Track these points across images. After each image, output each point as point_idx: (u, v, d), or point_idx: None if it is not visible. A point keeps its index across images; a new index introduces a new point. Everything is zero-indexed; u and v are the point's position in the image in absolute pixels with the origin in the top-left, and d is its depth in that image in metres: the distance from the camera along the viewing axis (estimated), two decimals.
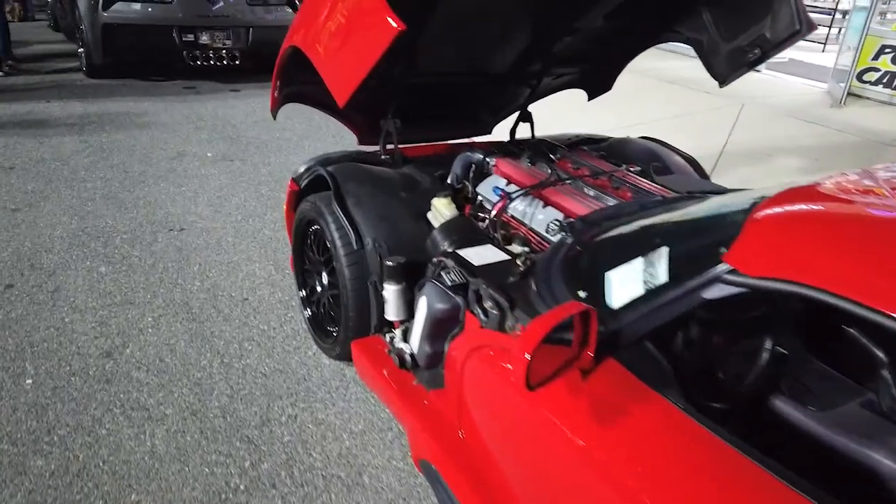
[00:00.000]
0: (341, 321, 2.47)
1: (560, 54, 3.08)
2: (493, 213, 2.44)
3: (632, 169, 2.80)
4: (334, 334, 2.61)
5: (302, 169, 2.82)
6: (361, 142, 3.25)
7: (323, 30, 2.08)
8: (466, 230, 2.24)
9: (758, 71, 7.42)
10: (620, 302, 1.48)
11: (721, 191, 2.53)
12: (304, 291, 2.85)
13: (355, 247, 2.31)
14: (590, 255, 1.82)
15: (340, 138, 5.18)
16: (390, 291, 2.24)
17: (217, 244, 3.62)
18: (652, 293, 1.44)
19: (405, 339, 2.27)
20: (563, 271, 1.76)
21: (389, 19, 1.76)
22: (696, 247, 1.55)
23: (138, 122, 5.78)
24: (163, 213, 3.99)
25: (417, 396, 2.11)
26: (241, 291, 3.17)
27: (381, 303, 2.31)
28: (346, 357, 2.57)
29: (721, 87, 2.92)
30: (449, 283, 1.92)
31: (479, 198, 2.65)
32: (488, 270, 1.97)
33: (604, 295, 1.53)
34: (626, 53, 3.29)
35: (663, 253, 1.48)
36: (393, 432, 2.33)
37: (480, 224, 2.42)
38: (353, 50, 1.97)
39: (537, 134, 3.27)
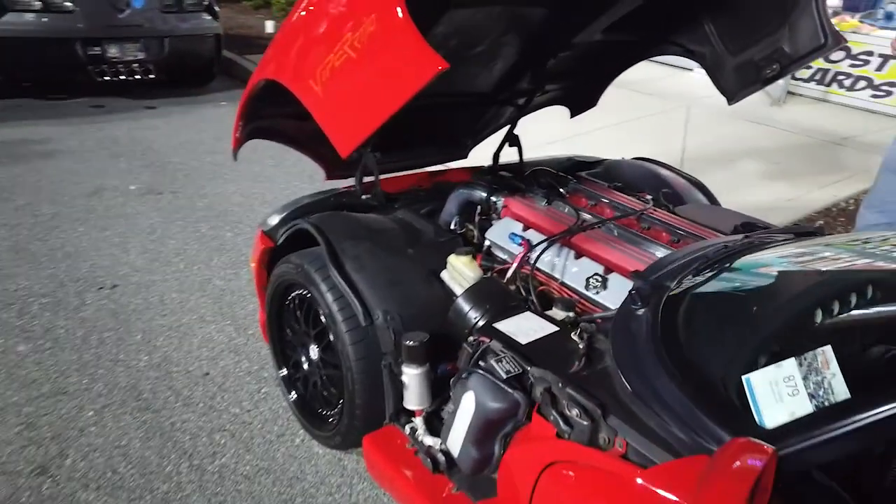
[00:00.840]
0: (345, 409, 2.04)
1: (551, 70, 2.76)
2: (514, 265, 2.07)
3: (646, 198, 2.52)
4: (331, 420, 2.18)
5: (275, 220, 2.36)
6: (330, 177, 2.82)
7: (322, 65, 1.64)
8: (498, 296, 1.87)
9: (691, 69, 7.38)
10: (777, 420, 1.15)
11: (774, 228, 2.27)
12: (285, 370, 2.39)
13: (363, 322, 1.89)
14: (688, 332, 1.49)
15: (280, 160, 4.68)
16: (411, 376, 1.83)
17: (160, 302, 3.07)
18: (827, 412, 1.11)
19: (430, 430, 1.88)
20: (659, 359, 1.41)
21: (426, 57, 1.37)
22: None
23: (41, 151, 5.02)
24: (87, 266, 3.38)
25: None
26: (199, 364, 2.66)
27: (397, 388, 1.90)
28: (348, 446, 2.14)
29: (729, 104, 2.66)
30: (503, 376, 1.54)
31: (488, 245, 2.28)
32: (541, 352, 1.61)
33: (747, 406, 1.19)
34: (618, 67, 3.01)
35: (829, 355, 1.16)
36: None
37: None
38: (371, 91, 1.55)
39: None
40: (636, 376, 1.41)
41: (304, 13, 1.75)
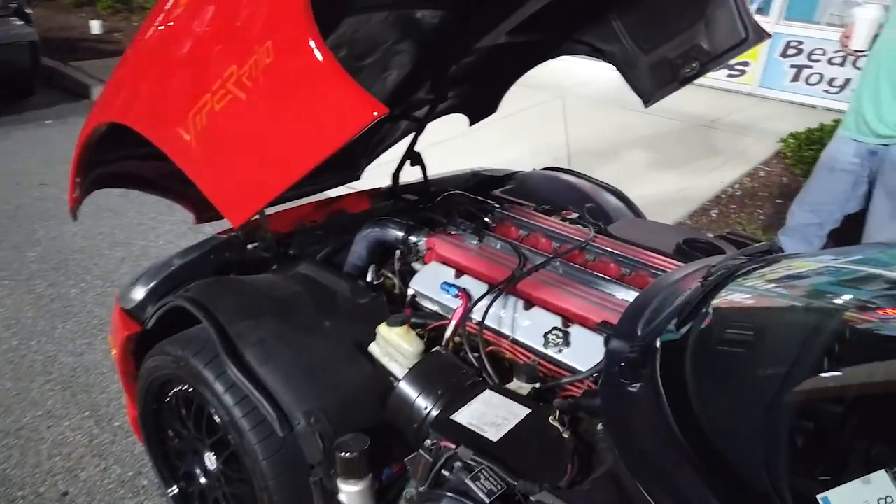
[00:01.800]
0: None
1: (452, 78, 2.42)
2: (453, 324, 1.71)
3: (569, 217, 2.26)
4: None
5: (138, 294, 1.83)
6: (200, 220, 2.32)
7: (195, 108, 1.17)
8: (450, 376, 1.49)
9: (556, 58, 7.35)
10: None
11: (718, 242, 2.07)
12: (175, 487, 1.88)
13: (280, 431, 1.45)
14: (711, 415, 1.19)
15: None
16: (351, 494, 1.43)
17: None
18: None
19: None
20: (688, 463, 1.11)
21: (357, 100, 0.96)
22: None
23: None
24: None
25: None
26: (52, 481, 2.07)
27: None
28: None
29: (645, 105, 2.46)
30: (486, 500, 1.18)
31: (413, 295, 1.90)
32: (521, 451, 1.28)
33: None
34: (520, 69, 2.72)
35: None
36: None
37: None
38: (275, 142, 1.12)
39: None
40: (653, 480, 1.09)
41: (160, 34, 1.26)
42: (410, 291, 1.91)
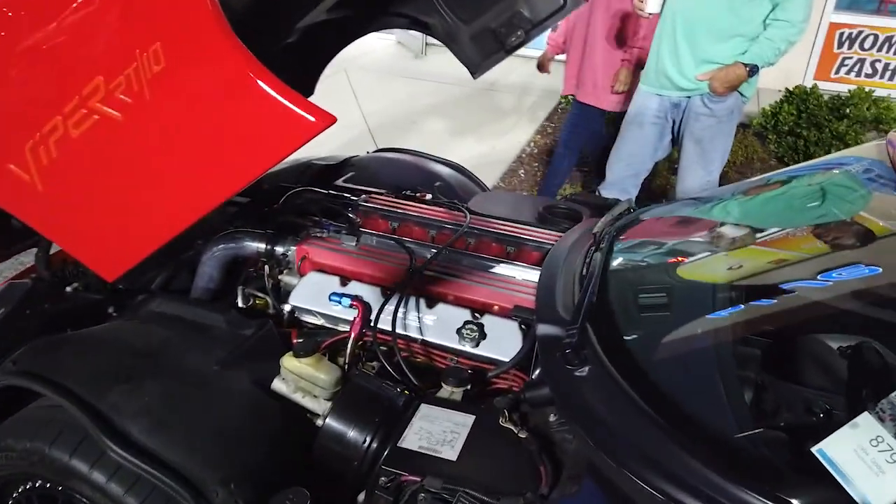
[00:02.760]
0: None
1: (272, 66, 2.19)
2: (352, 336, 1.56)
3: (425, 200, 2.19)
4: None
5: None
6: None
7: (37, 137, 0.87)
8: (380, 399, 1.35)
9: (376, 31, 7.14)
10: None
11: (574, 204, 2.13)
12: None
13: None
14: (658, 383, 1.20)
15: None
16: None
17: None
18: None
19: None
20: (654, 430, 1.11)
21: (297, 110, 0.77)
22: None
23: None
24: None
25: None
26: None
27: None
28: None
29: (474, 77, 2.44)
30: None
31: (289, 313, 1.70)
32: (484, 466, 1.21)
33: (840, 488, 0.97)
34: (336, 47, 2.55)
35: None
36: None
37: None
38: (178, 170, 0.87)
39: None
40: (645, 465, 1.08)
41: None
42: (287, 308, 1.70)
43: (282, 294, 1.76)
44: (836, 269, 1.33)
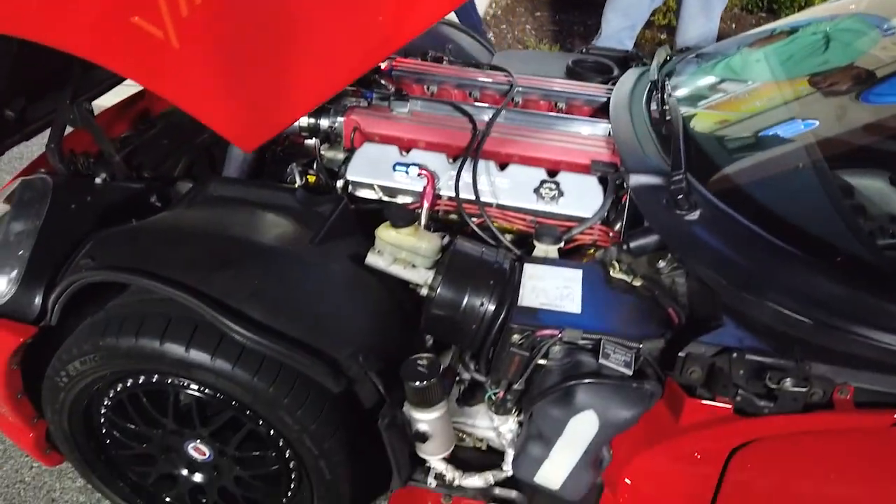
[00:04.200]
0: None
1: None
2: (426, 206, 1.52)
3: (442, 58, 2.07)
4: None
5: (3, 289, 1.27)
6: None
7: None
8: (486, 262, 1.33)
9: None
10: None
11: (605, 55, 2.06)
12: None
13: (336, 387, 1.18)
14: (770, 214, 1.23)
15: None
16: (432, 421, 1.26)
17: None
18: None
19: (460, 467, 1.38)
20: (784, 255, 1.15)
21: None
22: None
23: None
24: None
25: None
26: None
27: (407, 444, 1.30)
28: None
29: None
30: (629, 372, 1.12)
31: (345, 188, 1.62)
32: (612, 313, 1.23)
33: None
34: None
35: None
36: None
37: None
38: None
39: None
40: (781, 291, 1.12)
41: None
42: (340, 183, 1.62)
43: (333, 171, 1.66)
44: None
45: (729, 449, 1.13)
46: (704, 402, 1.11)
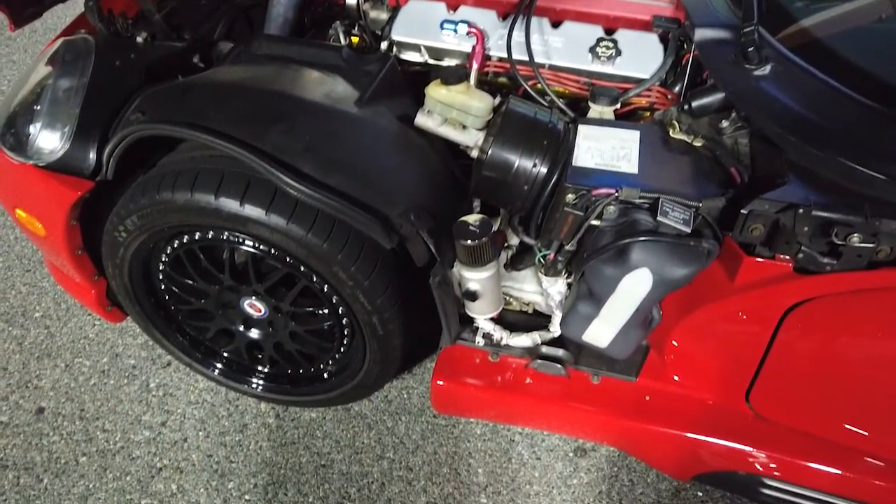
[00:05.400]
0: (370, 357, 1.41)
1: None
2: (475, 66, 1.46)
3: None
4: (330, 377, 1.52)
5: (53, 141, 1.28)
6: (19, 24, 1.64)
7: None
8: (538, 122, 1.28)
9: None
10: None
11: None
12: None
13: (389, 243, 1.19)
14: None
15: None
16: (483, 280, 1.27)
17: None
18: None
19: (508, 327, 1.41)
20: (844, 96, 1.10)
21: None
22: None
23: None
24: None
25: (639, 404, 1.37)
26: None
27: (456, 303, 1.33)
28: (360, 397, 1.58)
29: None
30: (687, 230, 1.09)
31: (388, 46, 1.55)
32: (671, 173, 1.19)
33: None
34: None
35: None
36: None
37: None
38: None
39: None
40: (876, 158, 1.06)
41: None
42: (384, 45, 1.56)
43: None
44: None
45: (784, 308, 1.12)
46: (762, 259, 1.09)
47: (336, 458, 1.55)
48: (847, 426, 1.25)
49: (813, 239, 1.04)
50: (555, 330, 1.41)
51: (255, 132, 1.17)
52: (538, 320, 1.48)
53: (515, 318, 1.48)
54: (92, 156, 1.29)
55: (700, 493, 1.48)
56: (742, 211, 1.07)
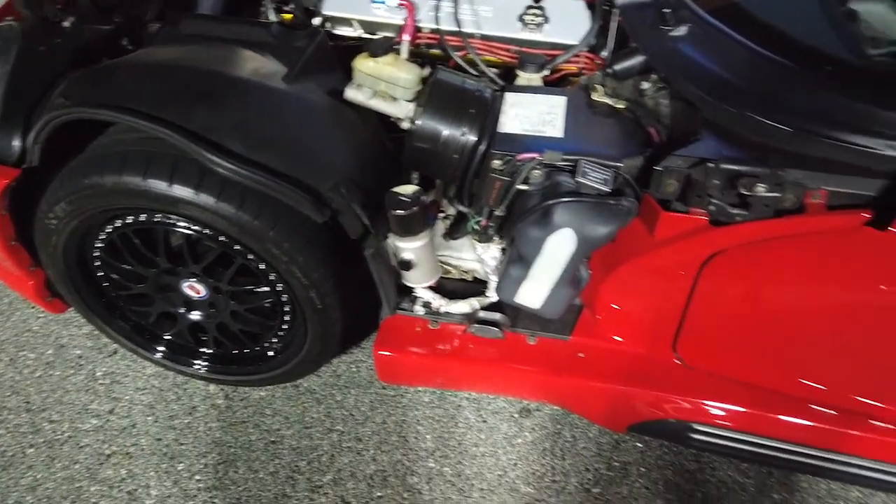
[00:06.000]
0: (310, 334, 1.42)
1: None
2: (405, 38, 1.47)
3: None
4: (274, 354, 1.54)
5: None
6: None
7: None
8: (466, 91, 1.30)
9: None
10: None
11: None
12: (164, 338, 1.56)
13: (321, 217, 1.20)
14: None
15: None
16: (417, 250, 1.30)
17: None
18: None
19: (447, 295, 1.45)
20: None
21: None
22: None
23: None
24: None
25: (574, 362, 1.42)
26: None
27: (392, 274, 1.35)
28: (304, 373, 1.60)
29: None
30: (607, 189, 1.13)
31: (323, 24, 1.56)
32: (594, 134, 1.23)
33: None
34: None
35: None
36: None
37: None
38: None
39: None
40: (783, 112, 1.11)
41: None
42: (317, 21, 1.56)
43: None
44: None
45: (702, 259, 1.18)
46: (678, 214, 1.14)
47: (286, 433, 1.57)
48: (767, 370, 1.32)
49: (724, 192, 1.09)
50: (491, 295, 1.45)
51: (182, 112, 1.17)
52: (478, 287, 1.52)
53: (455, 287, 1.52)
54: (17, 143, 1.27)
55: (639, 444, 1.54)
56: (657, 168, 1.12)
